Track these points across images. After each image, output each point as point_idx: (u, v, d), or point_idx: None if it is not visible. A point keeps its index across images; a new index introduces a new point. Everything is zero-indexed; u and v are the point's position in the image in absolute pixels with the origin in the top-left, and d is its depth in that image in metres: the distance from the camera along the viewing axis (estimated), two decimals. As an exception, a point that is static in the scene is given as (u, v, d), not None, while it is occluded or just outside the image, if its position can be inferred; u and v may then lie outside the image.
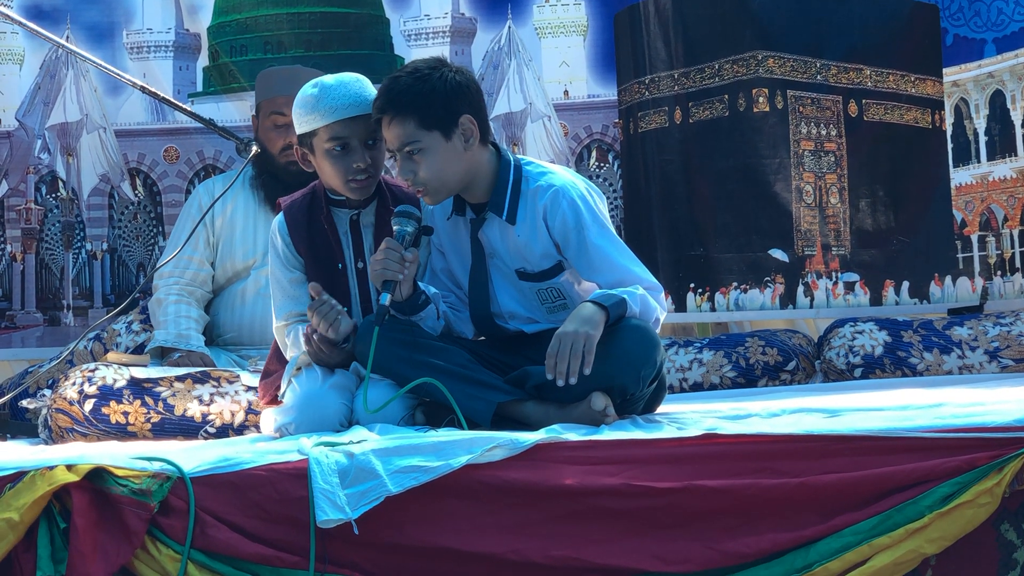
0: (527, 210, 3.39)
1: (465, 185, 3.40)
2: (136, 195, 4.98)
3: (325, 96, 3.41)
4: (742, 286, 5.09)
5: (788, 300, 5.10)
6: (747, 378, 4.54)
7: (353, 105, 3.40)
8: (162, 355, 4.23)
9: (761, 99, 5.10)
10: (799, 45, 5.15)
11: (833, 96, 5.18)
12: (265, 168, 4.44)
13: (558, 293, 3.43)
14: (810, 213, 5.17)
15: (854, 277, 5.20)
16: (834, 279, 5.15)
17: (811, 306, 5.12)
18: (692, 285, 5.10)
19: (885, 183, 5.24)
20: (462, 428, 3.18)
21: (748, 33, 5.11)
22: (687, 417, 3.30)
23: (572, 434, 3.05)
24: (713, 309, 5.09)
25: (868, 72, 5.20)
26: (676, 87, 5.15)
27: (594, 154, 5.16)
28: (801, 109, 5.14)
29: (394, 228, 3.34)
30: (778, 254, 5.13)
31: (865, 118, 5.21)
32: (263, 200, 4.41)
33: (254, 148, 4.06)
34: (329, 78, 3.46)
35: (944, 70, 5.21)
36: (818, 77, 5.16)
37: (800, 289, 5.12)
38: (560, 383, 3.15)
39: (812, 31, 5.17)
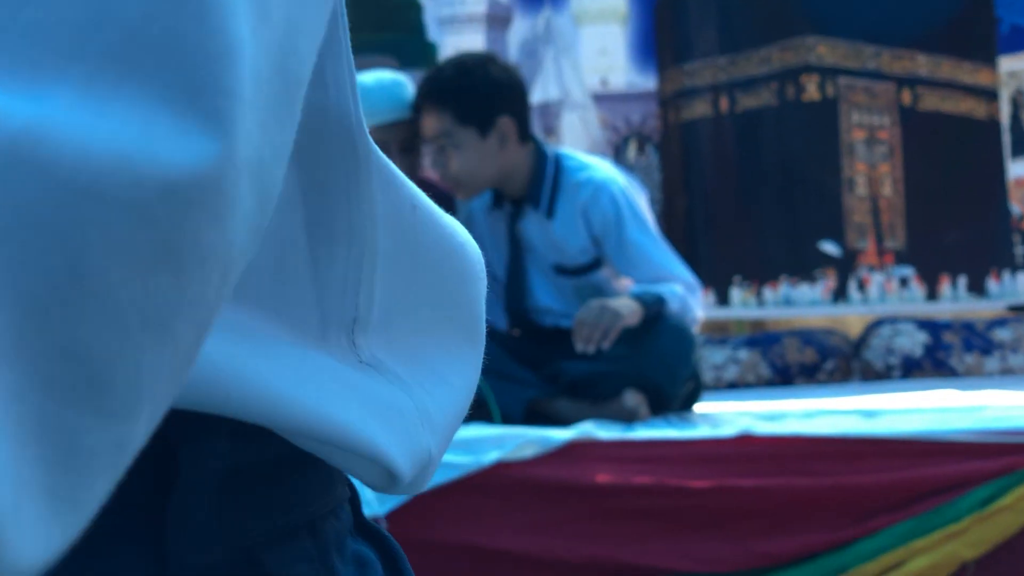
0: (566, 205, 3.48)
1: (500, 182, 3.49)
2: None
3: (363, 99, 3.45)
4: (792, 280, 5.09)
5: (840, 295, 5.09)
6: (783, 377, 4.60)
7: (390, 109, 3.48)
8: None
9: (811, 87, 5.10)
10: (850, 31, 5.13)
11: (886, 84, 5.16)
12: None
13: (596, 289, 3.51)
14: (862, 205, 5.14)
15: (909, 271, 5.18)
16: (888, 273, 5.14)
17: (864, 301, 5.11)
18: (738, 279, 5.10)
19: (940, 174, 5.21)
20: (493, 424, 3.27)
21: (797, 18, 5.09)
22: (722, 416, 3.38)
23: (605, 432, 3.11)
24: (761, 304, 5.10)
25: (922, 60, 5.19)
26: (721, 75, 5.16)
27: (633, 145, 5.15)
28: (852, 97, 5.13)
29: None
30: (829, 247, 5.11)
31: (919, 107, 5.19)
32: None
33: None
34: (368, 79, 3.50)
35: (1000, 60, 5.20)
36: (870, 64, 5.14)
37: (852, 284, 5.11)
38: (579, 348, 3.23)
39: (864, 16, 5.15)
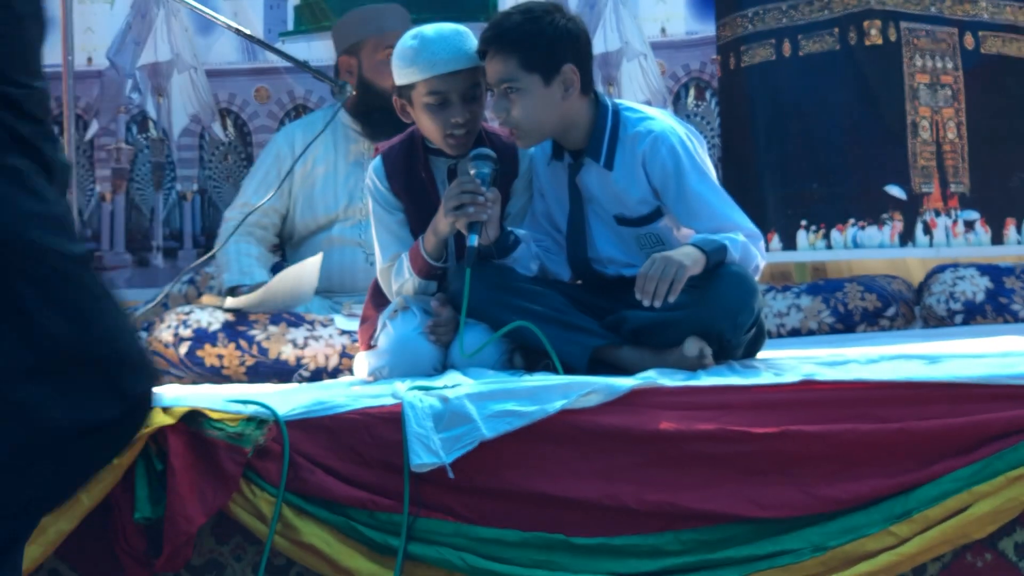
0: (625, 156, 3.49)
1: (560, 132, 3.52)
2: (227, 136, 5.08)
3: (425, 49, 3.49)
4: (860, 223, 5.09)
5: (907, 238, 5.09)
6: (846, 324, 4.62)
7: (453, 59, 3.49)
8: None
9: (873, 31, 5.10)
10: None
11: (948, 28, 5.16)
12: (372, 106, 4.57)
13: (657, 238, 3.53)
14: (927, 149, 5.15)
15: (974, 215, 5.17)
16: (953, 217, 5.14)
17: (930, 244, 5.09)
18: (804, 222, 5.11)
19: (1004, 117, 5.20)
20: (557, 373, 3.30)
21: None
22: (784, 363, 3.40)
23: (668, 379, 3.16)
24: (829, 247, 5.10)
25: (984, 3, 5.18)
26: (784, 19, 5.15)
27: (692, 92, 5.15)
28: (915, 42, 5.13)
29: (471, 171, 3.43)
30: (895, 191, 5.11)
31: (982, 51, 5.19)
32: (363, 135, 4.56)
33: (350, 91, 4.18)
34: (429, 29, 3.53)
35: (1063, 3, 5.20)
36: (932, 9, 5.13)
37: (919, 227, 5.11)
38: (646, 303, 3.26)
39: None
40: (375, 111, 4.55)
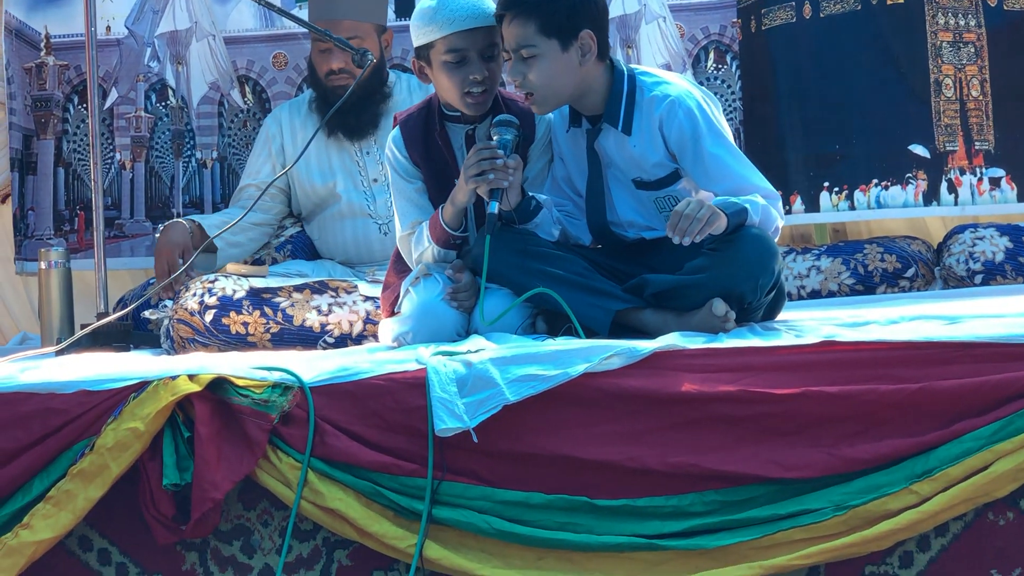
0: (642, 120, 3.53)
1: (576, 98, 3.56)
2: (246, 103, 5.10)
3: (443, 7, 3.54)
4: (883, 183, 5.08)
5: (932, 197, 5.07)
6: (865, 285, 4.64)
7: (471, 16, 3.54)
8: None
9: None
10: None
11: None
12: (316, 89, 4.66)
13: (675, 201, 3.55)
14: (951, 107, 5.13)
15: (999, 172, 5.14)
16: (978, 175, 5.13)
17: (956, 203, 5.07)
18: (827, 184, 5.11)
19: None
20: (579, 337, 3.35)
21: None
22: (805, 324, 3.44)
23: (689, 342, 3.20)
24: (853, 207, 5.09)
25: None
26: None
27: (712, 55, 5.14)
28: (937, 0, 5.14)
29: (493, 138, 3.48)
30: (919, 150, 5.10)
31: (1005, 7, 5.16)
32: (319, 122, 4.56)
33: (371, 58, 4.23)
34: None
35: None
36: None
37: (943, 186, 5.10)
38: (676, 240, 3.29)
39: None
40: (318, 98, 4.64)
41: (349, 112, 4.32)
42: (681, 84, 3.60)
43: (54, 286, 4.36)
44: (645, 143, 3.55)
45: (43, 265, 4.39)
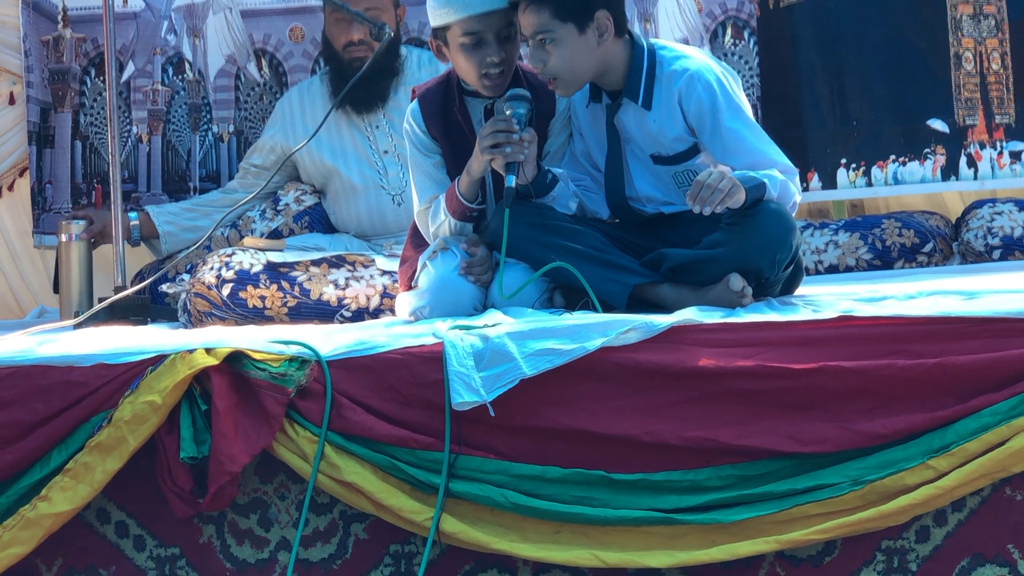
0: (662, 95, 3.54)
1: (597, 76, 3.56)
2: (262, 76, 5.11)
3: None
4: (901, 159, 5.07)
5: (950, 172, 5.07)
6: (883, 260, 4.65)
7: (486, 0, 3.55)
8: None
9: None
10: None
11: None
12: (330, 63, 4.68)
13: (694, 176, 3.55)
14: (971, 80, 5.12)
15: (1020, 146, 5.13)
16: (998, 149, 5.12)
17: (975, 177, 5.07)
18: (844, 160, 5.10)
19: None
20: (596, 311, 3.36)
21: None
22: (822, 299, 3.44)
23: (707, 316, 3.21)
24: (870, 184, 5.08)
25: None
26: None
27: (729, 31, 5.13)
28: (957, -27, 5.13)
29: (507, 112, 3.50)
30: (938, 124, 5.09)
31: (1025, -22, 5.18)
32: (332, 95, 4.61)
33: (389, 32, 4.23)
34: None
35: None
36: None
37: (963, 160, 5.09)
38: (696, 209, 3.30)
39: None
40: (332, 70, 4.66)
41: (360, 85, 4.33)
42: (700, 58, 3.61)
43: (74, 259, 4.39)
44: (664, 117, 3.55)
45: (63, 238, 4.42)
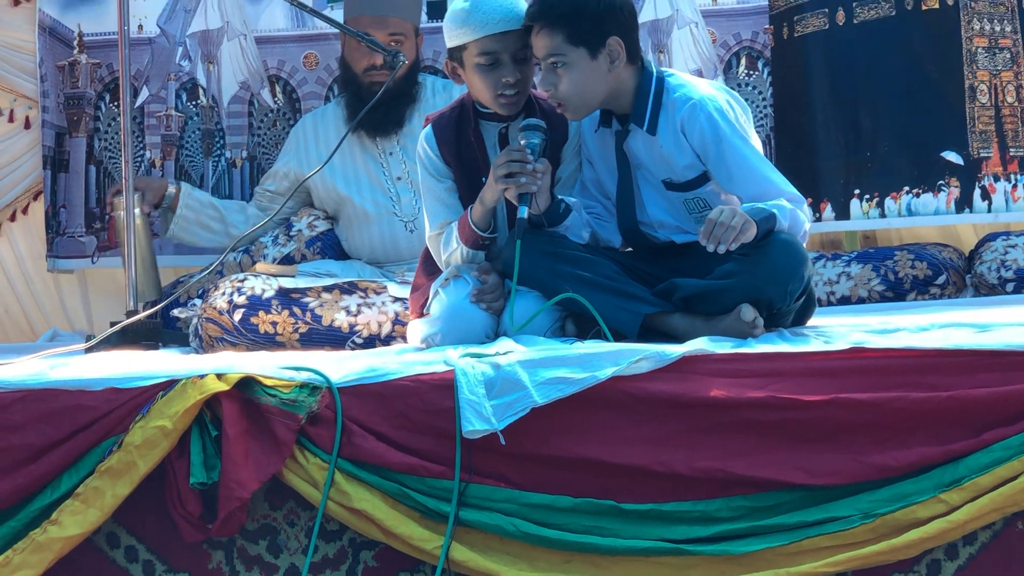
0: (668, 121, 3.55)
1: (607, 102, 3.58)
2: (275, 102, 5.13)
3: (476, 10, 3.58)
4: (914, 191, 5.07)
5: (964, 204, 5.07)
6: (896, 292, 4.65)
7: (504, 20, 3.58)
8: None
9: None
10: None
11: None
12: (348, 87, 4.70)
13: (705, 203, 3.59)
14: (985, 113, 5.12)
15: (1034, 179, 5.19)
16: (1013, 181, 5.12)
17: (989, 210, 5.07)
18: (858, 191, 5.11)
19: None
20: (608, 340, 3.36)
21: None
22: (834, 331, 3.45)
23: (718, 347, 3.21)
24: (883, 215, 5.08)
25: None
26: None
27: (743, 62, 5.14)
28: (973, 5, 5.10)
29: (521, 142, 3.51)
30: (952, 156, 5.10)
31: (1040, 13, 5.19)
32: (346, 120, 4.63)
33: (403, 60, 4.25)
34: None
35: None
36: None
37: (977, 193, 5.09)
38: (710, 248, 3.31)
39: None
40: (348, 93, 4.68)
41: (377, 109, 4.34)
42: (707, 88, 3.62)
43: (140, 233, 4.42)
44: (672, 144, 3.57)
45: (121, 214, 4.44)
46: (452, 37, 3.65)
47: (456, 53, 3.67)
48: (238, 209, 4.84)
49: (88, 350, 3.97)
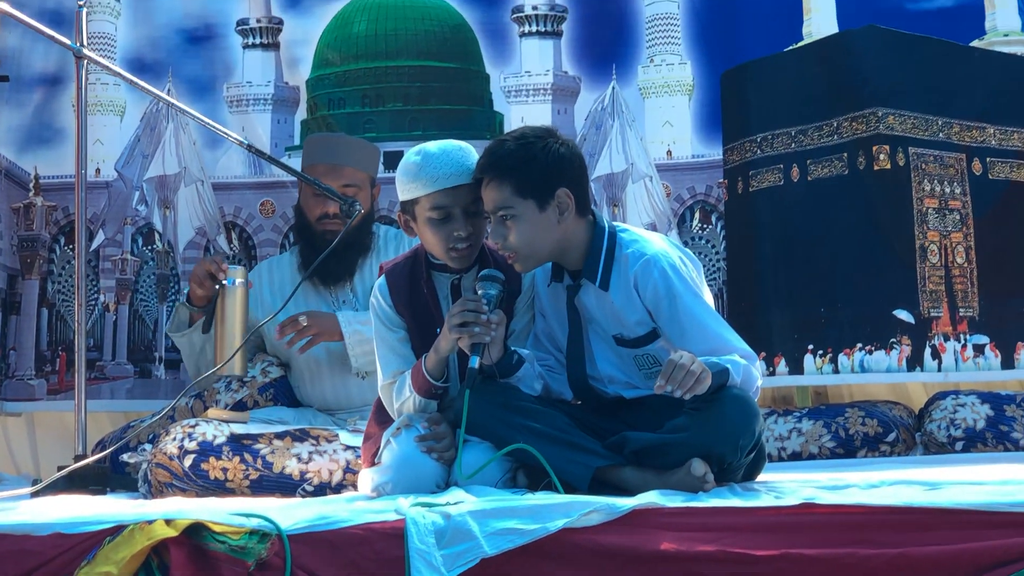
0: (620, 277, 3.59)
1: (557, 254, 3.62)
2: (232, 249, 5.17)
3: (428, 165, 3.62)
4: (867, 347, 5.13)
5: (915, 362, 5.12)
6: (846, 449, 4.71)
7: (455, 175, 3.62)
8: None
9: (882, 156, 5.15)
10: (919, 103, 5.20)
11: (956, 154, 5.22)
12: (302, 235, 4.73)
13: (654, 359, 3.62)
14: (936, 273, 5.18)
15: (984, 340, 5.18)
16: (963, 341, 5.17)
17: (939, 369, 5.12)
18: (811, 347, 5.15)
19: (1014, 242, 5.24)
20: (559, 492, 3.37)
21: (866, 91, 5.20)
22: (785, 486, 3.46)
23: (669, 500, 3.21)
24: (836, 371, 5.12)
25: (992, 131, 5.26)
26: (793, 144, 5.21)
27: (697, 215, 5.22)
28: (924, 166, 5.19)
29: (478, 292, 3.55)
30: (903, 315, 5.14)
31: (990, 176, 5.26)
32: (300, 268, 4.66)
33: (359, 208, 4.29)
34: (432, 146, 3.66)
35: (1070, 131, 5.30)
36: (940, 135, 5.20)
37: (927, 351, 5.14)
38: (668, 390, 3.31)
39: (933, 89, 5.24)
40: (302, 241, 4.71)
41: (331, 258, 4.37)
42: (659, 243, 3.66)
43: (237, 303, 4.38)
44: (624, 300, 3.60)
45: (225, 282, 4.40)
46: (404, 191, 3.68)
47: (408, 206, 3.70)
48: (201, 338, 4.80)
49: (34, 494, 3.94)
